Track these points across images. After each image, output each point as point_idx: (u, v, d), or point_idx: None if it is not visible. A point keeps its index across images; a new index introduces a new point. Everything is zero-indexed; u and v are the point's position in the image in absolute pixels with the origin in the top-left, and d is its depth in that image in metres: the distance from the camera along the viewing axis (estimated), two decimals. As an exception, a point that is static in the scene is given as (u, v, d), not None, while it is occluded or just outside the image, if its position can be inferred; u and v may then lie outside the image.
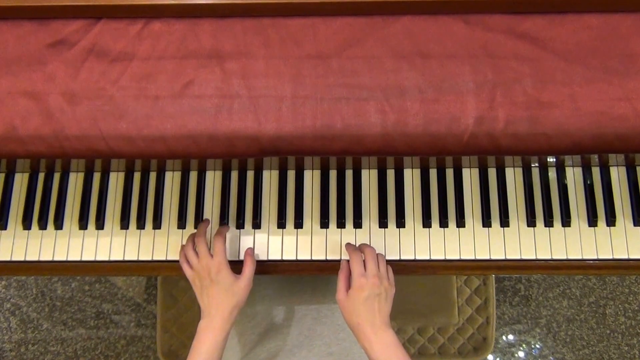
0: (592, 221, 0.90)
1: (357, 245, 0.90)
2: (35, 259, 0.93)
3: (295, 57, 0.74)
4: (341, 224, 0.92)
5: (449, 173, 0.94)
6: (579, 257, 0.90)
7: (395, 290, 0.82)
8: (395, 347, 0.77)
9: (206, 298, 0.81)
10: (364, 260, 0.81)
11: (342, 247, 0.91)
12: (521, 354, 1.71)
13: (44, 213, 0.94)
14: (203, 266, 0.82)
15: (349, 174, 0.94)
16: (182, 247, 0.90)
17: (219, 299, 0.80)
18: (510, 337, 1.72)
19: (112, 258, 0.93)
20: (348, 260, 0.82)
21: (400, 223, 0.92)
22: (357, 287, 0.79)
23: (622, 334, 1.72)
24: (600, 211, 0.91)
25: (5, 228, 0.95)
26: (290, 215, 0.93)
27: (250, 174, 0.95)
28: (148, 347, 1.73)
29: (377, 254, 0.83)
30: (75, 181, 0.96)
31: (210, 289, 0.81)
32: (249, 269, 0.84)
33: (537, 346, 1.72)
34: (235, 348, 0.97)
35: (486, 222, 0.91)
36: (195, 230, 0.91)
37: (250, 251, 0.88)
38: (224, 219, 0.93)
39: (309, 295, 1.01)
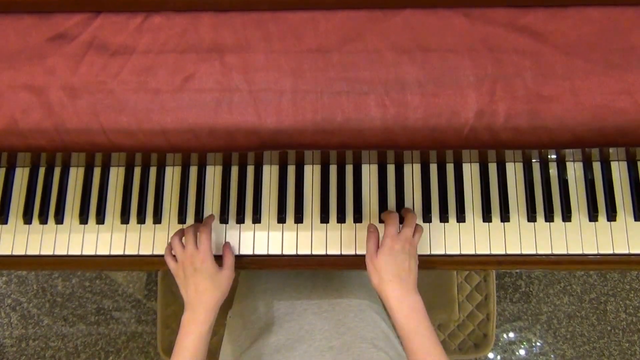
0: (593, 216, 0.90)
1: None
2: (36, 253, 0.93)
3: (295, 51, 0.74)
4: (341, 219, 0.92)
5: (449, 168, 0.94)
6: (580, 252, 0.90)
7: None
8: (424, 314, 0.75)
9: (191, 288, 0.81)
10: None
11: (342, 242, 0.91)
12: (522, 350, 1.71)
13: (44, 208, 0.94)
14: (187, 256, 0.83)
15: (349, 168, 0.94)
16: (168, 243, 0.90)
17: (203, 288, 0.81)
18: (511, 333, 1.72)
19: (113, 253, 0.93)
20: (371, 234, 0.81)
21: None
22: (388, 245, 0.78)
23: (622, 330, 1.72)
24: (601, 206, 0.91)
25: (6, 223, 0.95)
26: (290, 209, 0.93)
27: (250, 169, 0.95)
28: (148, 343, 1.73)
29: (416, 226, 0.83)
30: (76, 176, 0.96)
31: (195, 278, 0.82)
32: (229, 259, 0.87)
33: (538, 343, 1.72)
34: (236, 342, 0.97)
35: (486, 217, 0.91)
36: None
37: (228, 245, 0.91)
38: (224, 214, 0.93)
39: (310, 290, 1.01)
